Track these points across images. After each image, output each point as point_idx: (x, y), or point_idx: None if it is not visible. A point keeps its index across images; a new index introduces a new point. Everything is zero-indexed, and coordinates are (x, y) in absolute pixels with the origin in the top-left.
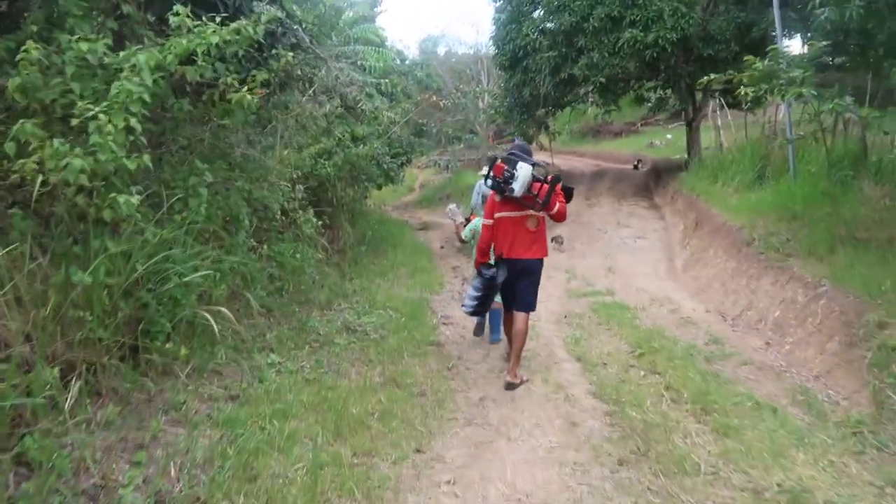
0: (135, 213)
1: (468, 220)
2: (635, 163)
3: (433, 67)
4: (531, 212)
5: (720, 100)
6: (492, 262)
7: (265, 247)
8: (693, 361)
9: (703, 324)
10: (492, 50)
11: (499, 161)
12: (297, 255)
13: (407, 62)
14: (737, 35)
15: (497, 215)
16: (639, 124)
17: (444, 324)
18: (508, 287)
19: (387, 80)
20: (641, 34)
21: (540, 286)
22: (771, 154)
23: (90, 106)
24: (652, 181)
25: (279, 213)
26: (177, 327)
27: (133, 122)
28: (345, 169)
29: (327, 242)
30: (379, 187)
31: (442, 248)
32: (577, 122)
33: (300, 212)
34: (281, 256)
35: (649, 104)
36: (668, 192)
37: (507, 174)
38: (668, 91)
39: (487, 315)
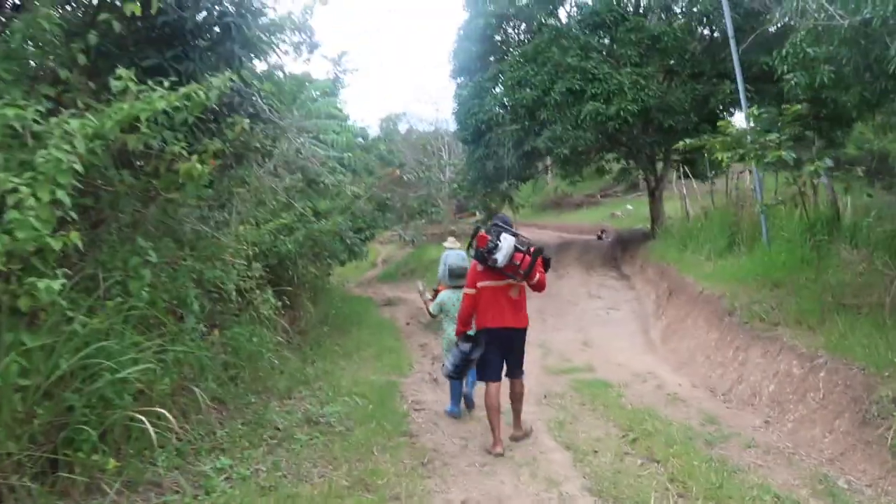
0: (58, 300)
1: (436, 293)
2: (599, 233)
3: (395, 143)
4: (513, 281)
5: (683, 169)
6: (471, 333)
7: (218, 332)
8: (693, 446)
9: (693, 401)
10: (452, 126)
11: (482, 232)
12: (255, 339)
13: (370, 139)
14: (695, 106)
15: (479, 284)
16: (598, 195)
17: (415, 409)
18: (492, 357)
19: (349, 154)
20: (603, 107)
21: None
22: (741, 221)
23: (13, 179)
24: (618, 251)
25: (234, 293)
26: (108, 433)
27: (60, 194)
28: (306, 245)
29: (287, 324)
30: (342, 263)
31: (408, 324)
32: (539, 195)
33: (257, 292)
34: (236, 341)
35: (610, 175)
36: (637, 262)
37: (490, 245)
38: (630, 162)
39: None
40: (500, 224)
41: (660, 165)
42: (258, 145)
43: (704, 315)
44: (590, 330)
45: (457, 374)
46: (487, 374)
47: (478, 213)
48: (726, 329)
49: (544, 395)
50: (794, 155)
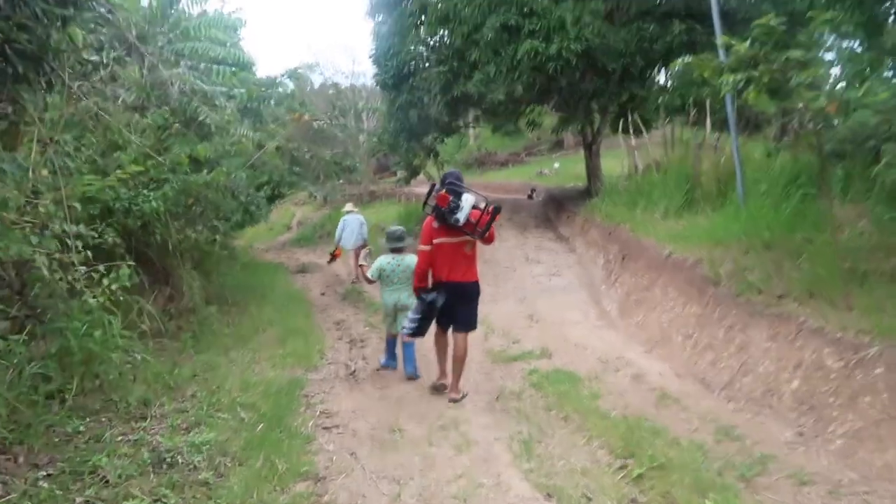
0: None
1: (332, 256)
2: (530, 192)
3: (308, 96)
4: (469, 238)
5: (624, 121)
6: (429, 286)
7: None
8: (726, 484)
9: (688, 399)
10: (371, 75)
11: (443, 191)
12: (95, 334)
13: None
14: (641, 49)
15: (436, 241)
16: (523, 154)
17: (324, 428)
18: (447, 310)
19: (242, 91)
20: (542, 45)
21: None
22: (700, 175)
23: None
24: (552, 211)
25: (52, 272)
26: None
27: None
28: (181, 203)
29: (161, 305)
30: (237, 226)
31: (323, 294)
32: (462, 153)
33: (101, 268)
34: (65, 340)
35: (541, 129)
36: (576, 223)
37: (452, 204)
38: (565, 113)
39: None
40: (456, 182)
41: (596, 119)
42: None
43: (676, 284)
44: (534, 300)
45: (418, 330)
46: (440, 322)
47: (399, 173)
48: (711, 302)
49: (497, 397)
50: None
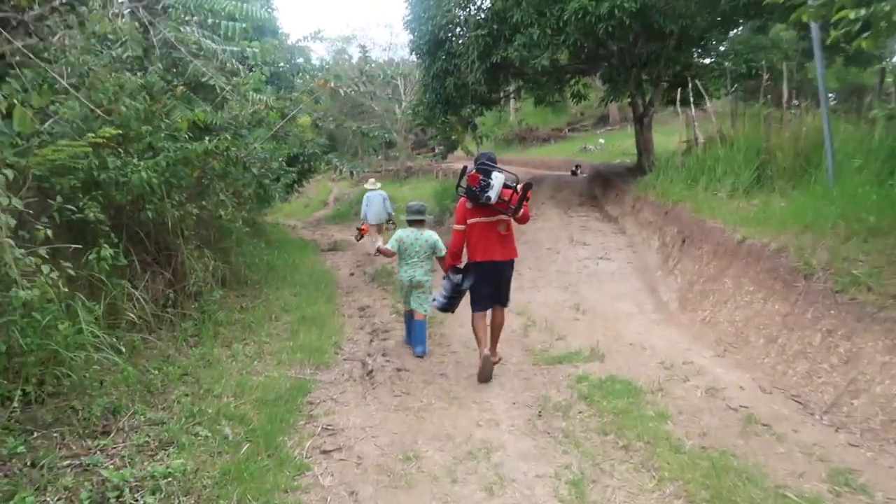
0: None
1: (359, 232)
2: (573, 168)
3: (345, 71)
4: (503, 217)
5: (679, 92)
6: (460, 266)
7: None
8: None
9: (783, 425)
10: (407, 51)
11: (473, 171)
12: (61, 328)
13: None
14: (703, 8)
15: (470, 221)
16: (566, 129)
17: (323, 451)
18: (482, 289)
19: (256, 51)
20: (592, 4)
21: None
22: (774, 148)
23: None
24: (598, 188)
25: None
26: None
27: None
28: (181, 174)
29: (158, 291)
30: (262, 202)
31: (352, 275)
32: (502, 129)
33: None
34: (23, 334)
35: (588, 101)
36: (625, 201)
37: (483, 183)
38: (613, 84)
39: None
40: (488, 162)
41: (648, 90)
42: None
43: (753, 275)
44: (580, 287)
45: (448, 308)
46: (475, 304)
47: (437, 148)
48: (802, 299)
49: (538, 411)
50: None
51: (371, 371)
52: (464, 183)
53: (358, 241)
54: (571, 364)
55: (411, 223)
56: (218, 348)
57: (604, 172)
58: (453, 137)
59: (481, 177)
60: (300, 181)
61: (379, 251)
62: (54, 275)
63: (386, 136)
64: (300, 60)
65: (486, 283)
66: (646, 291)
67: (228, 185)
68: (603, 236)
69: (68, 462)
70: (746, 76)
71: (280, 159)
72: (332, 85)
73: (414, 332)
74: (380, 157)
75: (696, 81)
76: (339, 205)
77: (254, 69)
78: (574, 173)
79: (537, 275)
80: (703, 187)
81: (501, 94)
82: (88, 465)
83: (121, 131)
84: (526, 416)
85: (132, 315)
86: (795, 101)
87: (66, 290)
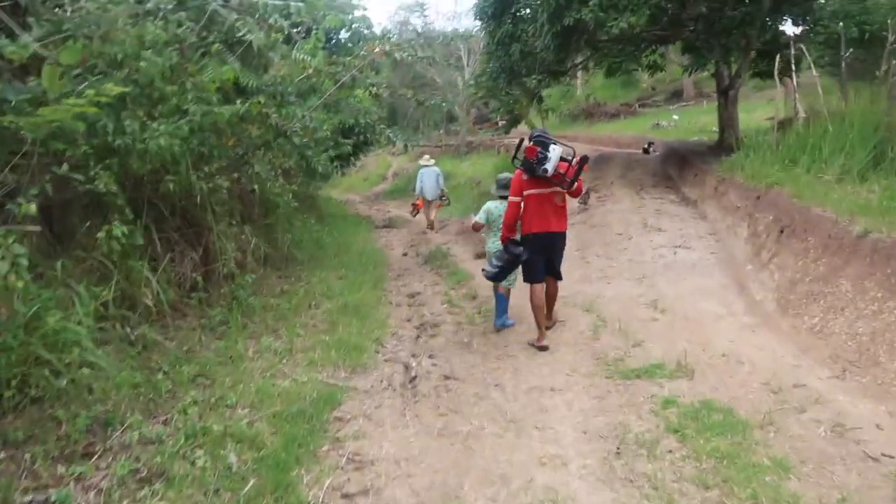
0: None
1: (414, 207)
2: (646, 146)
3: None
4: (559, 189)
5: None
6: (518, 238)
7: None
8: None
9: None
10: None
11: (531, 144)
12: (50, 321)
13: (379, 32)
14: None
15: (526, 193)
16: (635, 105)
17: (343, 496)
18: (537, 260)
19: (301, 4)
20: None
21: (548, 350)
22: (895, 123)
23: None
24: (673, 168)
25: None
26: None
27: None
28: (209, 141)
29: (185, 273)
30: (310, 175)
31: (405, 255)
32: (569, 104)
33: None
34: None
35: (658, 74)
36: (706, 182)
37: (540, 155)
38: (697, 53)
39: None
40: (545, 136)
41: (735, 59)
42: None
43: (881, 277)
44: (656, 281)
45: (499, 275)
46: (533, 276)
47: (499, 122)
48: None
49: (616, 447)
50: None
51: (414, 377)
52: (520, 155)
53: (413, 216)
54: (654, 380)
55: (501, 197)
56: (244, 341)
57: (679, 150)
58: (517, 111)
59: (539, 149)
60: (356, 154)
61: (473, 227)
62: (23, 260)
63: (445, 106)
64: (362, 29)
65: (541, 253)
66: (734, 288)
67: (267, 156)
68: (681, 221)
69: (29, 498)
70: (859, 41)
71: (326, 129)
72: (387, 48)
73: (497, 305)
74: (441, 132)
75: (801, 46)
76: (398, 179)
77: (309, 33)
78: (646, 151)
79: (606, 264)
80: (805, 169)
81: (570, 65)
82: (54, 502)
83: (127, 90)
84: (601, 453)
85: (149, 302)
86: None
87: (60, 274)
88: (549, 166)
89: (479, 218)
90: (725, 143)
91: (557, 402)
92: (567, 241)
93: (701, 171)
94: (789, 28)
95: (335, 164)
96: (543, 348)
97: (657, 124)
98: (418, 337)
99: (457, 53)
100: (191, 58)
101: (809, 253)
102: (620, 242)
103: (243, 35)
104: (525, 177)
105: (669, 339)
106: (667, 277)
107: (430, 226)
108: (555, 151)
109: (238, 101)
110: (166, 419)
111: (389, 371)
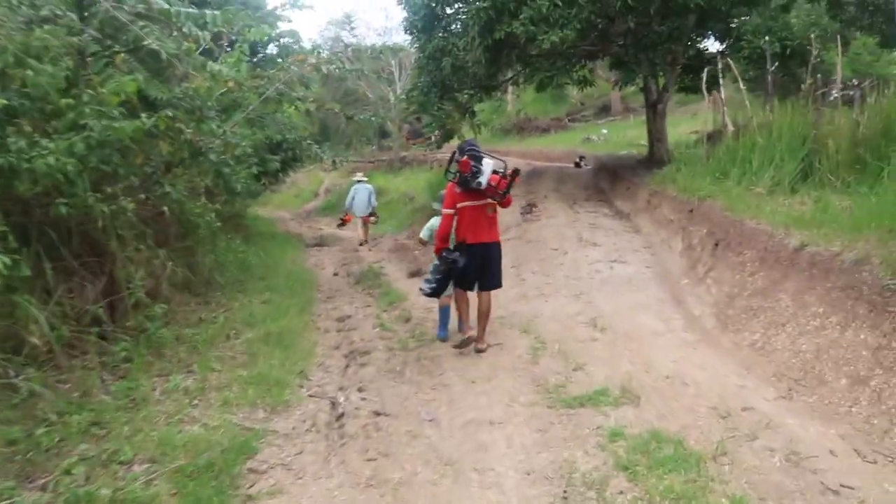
0: None
1: (342, 221)
2: (577, 160)
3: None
4: (491, 201)
5: (720, 68)
6: (451, 247)
7: None
8: None
9: None
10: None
11: (464, 158)
12: None
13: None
14: None
15: (460, 205)
16: (565, 120)
17: None
18: (470, 270)
19: (217, 13)
20: None
21: (484, 378)
22: (822, 136)
23: None
24: (605, 181)
25: None
26: None
27: None
28: (112, 159)
29: (88, 303)
30: (233, 194)
31: (336, 275)
32: (500, 118)
33: None
34: None
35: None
36: (638, 195)
37: (474, 169)
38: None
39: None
40: (477, 149)
41: (663, 74)
42: None
43: (821, 292)
44: (594, 296)
45: (437, 291)
46: (461, 285)
47: (433, 137)
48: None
49: (563, 490)
50: None
51: (341, 415)
52: (453, 168)
53: (339, 228)
54: (598, 409)
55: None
56: (149, 380)
57: (610, 164)
58: (449, 125)
59: (472, 163)
60: (284, 170)
61: (419, 242)
62: None
63: (374, 120)
64: (291, 44)
65: (474, 264)
66: (671, 303)
67: (185, 174)
68: (615, 235)
69: None
70: (781, 56)
71: (245, 144)
72: (313, 60)
73: (440, 316)
74: (374, 147)
75: (728, 61)
76: (331, 196)
77: (233, 46)
78: (578, 165)
79: (543, 281)
80: (736, 181)
81: (501, 79)
82: None
83: (8, 102)
84: (546, 498)
85: (36, 340)
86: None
87: None
88: (483, 179)
89: (423, 235)
90: (656, 157)
91: (497, 437)
92: (502, 256)
93: (633, 185)
94: (713, 45)
95: (262, 181)
96: (469, 340)
97: (587, 138)
98: (347, 367)
99: (388, 68)
100: (92, 68)
101: (746, 267)
102: (556, 258)
103: (150, 44)
104: (458, 190)
105: (611, 360)
106: (604, 293)
107: (362, 242)
108: (488, 164)
109: (144, 116)
110: (45, 483)
111: (314, 409)
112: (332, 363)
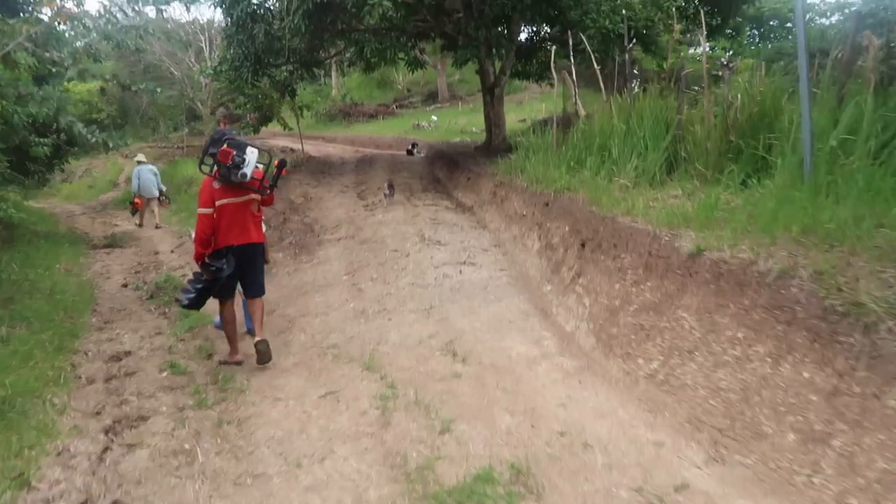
0: None
1: (133, 205)
2: (409, 147)
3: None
4: (255, 196)
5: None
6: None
7: None
8: None
9: None
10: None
11: (224, 146)
12: None
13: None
14: None
15: (219, 202)
16: (393, 106)
17: None
18: (233, 276)
19: None
20: None
21: (315, 457)
22: (690, 123)
23: None
24: (441, 171)
25: None
26: None
27: None
28: None
29: None
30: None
31: (124, 286)
32: (324, 104)
33: None
34: None
35: (418, 70)
36: (482, 186)
37: (236, 159)
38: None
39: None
40: (237, 138)
41: (501, 55)
42: None
43: (735, 311)
44: (446, 310)
45: (198, 300)
46: (226, 293)
47: (249, 118)
48: (862, 366)
49: None
50: None
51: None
52: (209, 161)
53: (133, 214)
54: (481, 502)
55: None
56: None
57: (446, 152)
58: (266, 106)
59: (234, 152)
60: (59, 157)
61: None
62: None
63: (172, 99)
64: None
65: (237, 268)
66: (537, 317)
67: None
68: (461, 232)
69: None
70: (627, 37)
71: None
72: (74, 8)
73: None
74: (185, 132)
75: (582, 37)
76: (130, 186)
77: None
78: (410, 153)
79: (384, 290)
80: (594, 172)
81: (325, 56)
82: None
83: None
84: None
85: None
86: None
87: None
88: (248, 171)
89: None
90: (494, 143)
91: None
92: (334, 263)
93: (474, 175)
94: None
95: (30, 168)
96: (238, 363)
97: (417, 125)
98: (105, 450)
99: (197, 44)
100: None
101: (627, 274)
102: (398, 261)
103: None
104: (217, 185)
105: (485, 410)
106: (458, 305)
107: (141, 222)
108: (251, 155)
109: None
110: None
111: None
112: (81, 447)
